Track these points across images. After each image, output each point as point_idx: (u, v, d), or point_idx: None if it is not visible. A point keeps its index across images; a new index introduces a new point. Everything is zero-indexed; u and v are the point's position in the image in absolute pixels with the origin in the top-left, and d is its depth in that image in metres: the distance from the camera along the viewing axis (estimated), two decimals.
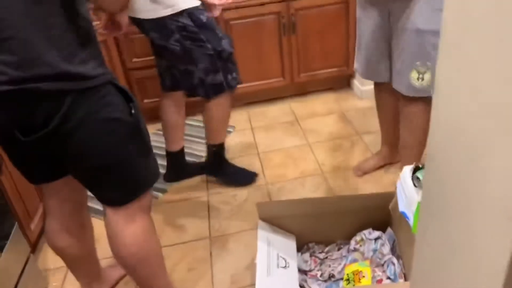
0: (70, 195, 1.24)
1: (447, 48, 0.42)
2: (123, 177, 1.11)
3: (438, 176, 0.47)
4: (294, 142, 2.36)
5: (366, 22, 1.66)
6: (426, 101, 1.59)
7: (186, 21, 1.59)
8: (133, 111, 1.05)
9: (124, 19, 1.29)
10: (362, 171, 2.02)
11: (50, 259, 1.76)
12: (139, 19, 1.61)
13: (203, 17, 1.62)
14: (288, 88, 2.79)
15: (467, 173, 0.40)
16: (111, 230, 1.18)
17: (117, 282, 1.59)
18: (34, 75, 0.88)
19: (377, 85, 1.88)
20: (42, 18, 0.87)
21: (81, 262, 1.39)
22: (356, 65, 1.85)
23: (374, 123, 2.43)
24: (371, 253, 1.36)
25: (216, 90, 1.72)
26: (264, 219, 1.48)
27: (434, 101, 0.46)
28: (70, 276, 1.67)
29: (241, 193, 2.00)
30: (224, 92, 1.73)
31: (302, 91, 2.83)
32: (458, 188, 0.42)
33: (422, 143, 1.71)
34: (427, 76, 1.53)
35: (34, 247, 1.78)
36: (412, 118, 1.70)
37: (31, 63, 0.88)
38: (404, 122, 1.75)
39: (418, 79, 1.51)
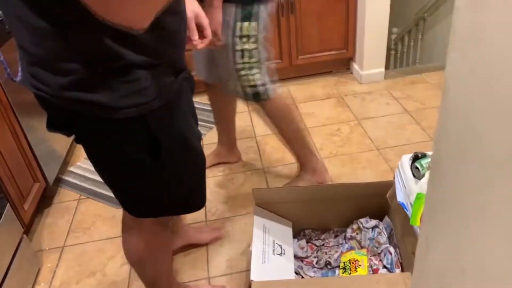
0: None
1: (459, 45, 0.39)
2: (121, 197, 1.02)
3: (443, 185, 0.43)
4: None
5: None
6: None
7: None
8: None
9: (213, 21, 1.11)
10: None
11: (45, 240, 1.75)
12: None
13: None
14: (286, 71, 2.74)
15: (479, 183, 0.37)
16: (123, 227, 1.14)
17: (191, 245, 1.61)
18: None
19: (208, 85, 1.80)
20: None
21: None
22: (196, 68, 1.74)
23: (373, 108, 2.41)
24: (367, 242, 1.36)
25: None
26: (260, 205, 1.47)
27: (442, 104, 0.42)
28: (65, 257, 1.66)
29: (238, 177, 1.98)
30: None
31: (300, 74, 2.79)
32: (468, 200, 0.39)
33: (290, 130, 1.71)
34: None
35: (28, 228, 1.77)
36: (270, 115, 1.67)
37: None
38: (268, 121, 1.72)
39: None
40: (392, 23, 2.67)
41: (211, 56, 1.64)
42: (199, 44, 0.98)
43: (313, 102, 2.53)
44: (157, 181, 0.95)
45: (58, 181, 2.06)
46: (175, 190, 1.01)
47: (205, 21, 1.00)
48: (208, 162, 1.94)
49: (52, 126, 0.90)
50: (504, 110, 0.32)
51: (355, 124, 2.29)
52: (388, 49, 2.93)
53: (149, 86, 0.81)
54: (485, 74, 0.34)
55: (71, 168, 2.15)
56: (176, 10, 0.81)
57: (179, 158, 0.94)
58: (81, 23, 0.70)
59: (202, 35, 0.99)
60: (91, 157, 0.93)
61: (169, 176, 0.96)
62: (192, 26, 0.96)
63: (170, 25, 0.81)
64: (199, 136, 1.02)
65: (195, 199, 1.08)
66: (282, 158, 2.08)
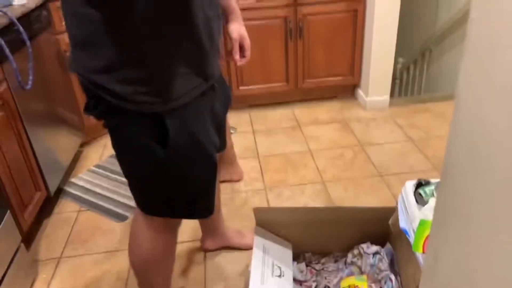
0: None
1: (474, 55, 0.39)
2: (132, 189, 1.06)
3: (454, 194, 0.43)
4: (295, 147, 2.34)
5: None
6: None
7: None
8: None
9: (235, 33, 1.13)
10: None
11: (42, 250, 1.74)
12: None
13: None
14: (292, 93, 2.77)
15: (491, 193, 0.36)
16: (133, 224, 1.16)
17: (232, 247, 1.65)
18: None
19: None
20: None
21: None
22: None
23: (377, 134, 2.42)
24: (368, 268, 1.34)
25: None
26: (261, 225, 1.46)
27: (455, 109, 0.41)
28: (60, 269, 1.64)
29: (239, 196, 1.98)
30: None
31: (306, 97, 2.82)
32: (480, 208, 0.38)
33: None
34: None
35: (26, 237, 1.76)
36: None
37: None
38: None
39: None
40: (398, 52, 2.71)
41: None
42: (239, 62, 1.14)
43: (317, 126, 2.55)
44: (163, 174, 0.99)
45: (60, 191, 2.06)
46: (180, 189, 1.03)
47: (247, 43, 1.15)
48: None
49: (86, 109, 0.97)
50: None
51: (359, 149, 2.29)
52: (394, 78, 2.96)
53: (167, 87, 0.89)
54: (499, 82, 0.35)
55: (73, 180, 2.15)
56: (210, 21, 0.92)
57: (187, 157, 0.98)
58: (120, 15, 0.82)
59: (242, 55, 1.15)
60: (112, 144, 1.01)
61: (175, 172, 0.99)
62: (237, 46, 1.13)
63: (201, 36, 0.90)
64: (215, 145, 1.05)
65: (201, 205, 1.09)
66: (285, 178, 2.08)
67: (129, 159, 1.01)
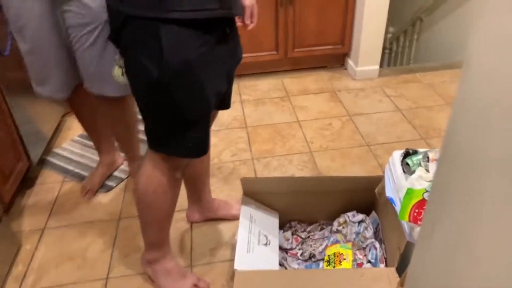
0: None
1: (485, 45, 0.35)
2: (145, 124, 1.11)
3: (456, 160, 0.40)
4: (283, 118, 2.31)
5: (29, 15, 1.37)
6: (128, 94, 1.47)
7: None
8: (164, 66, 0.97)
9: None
10: (92, 191, 1.82)
11: (25, 221, 1.71)
12: None
13: None
14: (281, 63, 2.72)
15: (494, 158, 0.34)
16: (143, 162, 1.20)
17: (219, 218, 1.65)
18: None
19: (69, 98, 1.59)
20: None
21: (192, 182, 1.51)
22: (36, 87, 1.50)
23: (365, 104, 2.41)
24: (353, 236, 1.35)
25: None
26: (248, 195, 1.45)
27: (464, 73, 0.38)
28: (45, 239, 1.63)
29: (226, 166, 1.96)
30: None
31: (295, 66, 2.77)
32: (481, 176, 0.36)
33: (135, 131, 1.70)
34: None
35: (8, 208, 1.73)
36: (125, 114, 1.61)
37: None
38: (116, 121, 1.64)
39: (122, 74, 1.27)
40: (388, 22, 2.66)
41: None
42: (249, 27, 1.25)
43: (306, 96, 2.51)
44: (156, 96, 1.02)
45: (42, 162, 2.02)
46: (173, 116, 1.05)
47: (256, 9, 1.26)
48: (99, 179, 1.87)
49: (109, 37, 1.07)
50: None
51: (347, 119, 2.28)
52: (383, 48, 2.92)
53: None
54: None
55: (56, 150, 2.10)
56: None
57: (180, 85, 1.00)
58: None
59: (250, 20, 1.25)
60: (126, 70, 1.07)
61: (168, 96, 1.01)
62: (249, 12, 1.23)
63: None
64: (218, 91, 1.10)
65: (194, 141, 1.11)
66: (273, 149, 2.06)
67: (132, 79, 1.06)
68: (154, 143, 1.13)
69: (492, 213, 0.35)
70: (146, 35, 0.95)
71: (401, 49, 3.75)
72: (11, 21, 1.42)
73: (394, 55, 3.83)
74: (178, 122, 1.07)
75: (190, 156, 1.16)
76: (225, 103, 1.27)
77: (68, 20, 1.36)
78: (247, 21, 1.22)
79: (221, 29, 1.02)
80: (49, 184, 1.90)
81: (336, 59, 2.80)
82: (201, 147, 1.14)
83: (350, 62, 2.73)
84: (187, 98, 1.03)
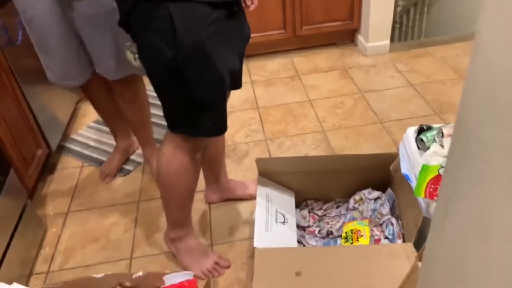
0: None
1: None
2: (164, 106, 1.13)
3: (469, 139, 0.40)
4: (295, 97, 2.31)
5: (40, 13, 1.40)
6: (141, 78, 1.63)
7: None
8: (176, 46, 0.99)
9: None
10: (110, 175, 1.86)
11: (48, 206, 1.77)
12: None
13: None
14: (290, 42, 2.70)
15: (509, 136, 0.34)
16: (163, 144, 1.23)
17: (236, 198, 1.68)
18: None
19: (83, 86, 1.66)
20: None
21: (209, 163, 1.55)
22: (49, 75, 1.55)
23: (377, 81, 2.39)
24: (370, 213, 1.37)
25: None
26: (264, 175, 1.48)
27: (475, 45, 0.38)
28: (68, 222, 1.68)
29: (240, 148, 1.98)
30: None
31: (304, 45, 2.75)
32: (494, 157, 0.36)
33: (147, 115, 1.74)
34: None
35: (31, 194, 1.78)
36: (137, 97, 1.66)
37: None
38: (128, 104, 1.67)
39: (134, 59, 1.35)
40: None
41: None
42: (250, 8, 1.24)
43: (316, 74, 2.50)
44: (173, 76, 1.04)
45: (61, 148, 2.06)
46: (190, 96, 1.07)
47: None
48: (117, 163, 1.91)
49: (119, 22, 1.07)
50: None
51: (359, 96, 2.27)
52: (393, 22, 2.87)
53: None
54: None
55: (74, 136, 2.14)
56: None
57: (195, 65, 1.02)
58: None
59: (251, 1, 1.25)
60: (138, 53, 1.09)
61: (184, 76, 1.03)
62: None
63: None
64: (231, 69, 1.12)
65: (213, 120, 1.14)
66: (285, 129, 2.08)
67: (145, 66, 1.08)
68: (174, 125, 1.15)
69: (506, 191, 0.35)
70: (157, 17, 0.97)
71: (412, 22, 3.67)
72: (20, 12, 1.44)
73: (404, 29, 3.75)
74: (195, 102, 1.09)
75: (210, 135, 1.20)
76: (237, 82, 1.29)
77: (78, 10, 1.37)
78: (248, 2, 1.23)
79: (229, 7, 1.04)
80: (69, 170, 1.95)
81: (346, 35, 2.77)
82: (220, 126, 1.18)
83: (360, 38, 2.70)
84: (202, 78, 1.06)
